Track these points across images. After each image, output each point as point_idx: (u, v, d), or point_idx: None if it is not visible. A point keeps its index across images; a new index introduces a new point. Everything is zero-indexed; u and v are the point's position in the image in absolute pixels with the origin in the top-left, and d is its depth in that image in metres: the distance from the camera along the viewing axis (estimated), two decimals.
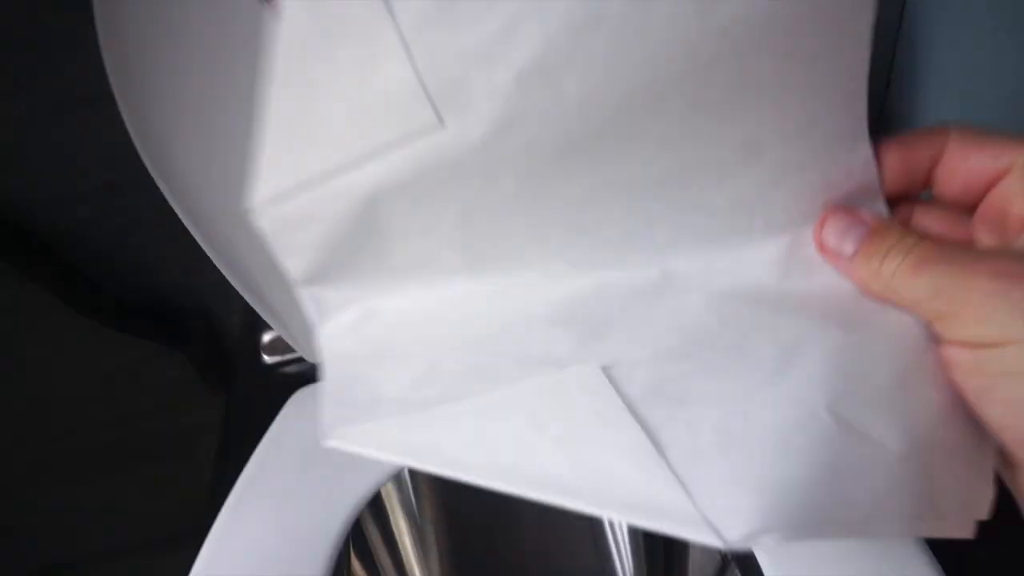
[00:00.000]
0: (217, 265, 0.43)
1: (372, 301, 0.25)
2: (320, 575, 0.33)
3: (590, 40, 0.18)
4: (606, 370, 0.21)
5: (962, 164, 0.20)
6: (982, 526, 0.20)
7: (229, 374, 0.60)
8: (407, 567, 0.44)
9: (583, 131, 0.20)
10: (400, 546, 0.44)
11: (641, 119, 0.20)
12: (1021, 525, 0.19)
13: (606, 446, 0.19)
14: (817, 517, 0.18)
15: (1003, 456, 0.20)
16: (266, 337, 0.54)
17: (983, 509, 0.20)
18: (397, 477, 0.42)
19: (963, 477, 0.20)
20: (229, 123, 0.38)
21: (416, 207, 0.22)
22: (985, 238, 0.21)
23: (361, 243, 0.23)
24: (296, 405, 0.42)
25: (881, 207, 0.22)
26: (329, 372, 0.24)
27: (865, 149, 0.21)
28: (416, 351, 0.23)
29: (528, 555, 0.47)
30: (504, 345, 0.22)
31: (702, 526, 0.18)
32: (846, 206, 0.22)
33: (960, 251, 0.19)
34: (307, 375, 0.50)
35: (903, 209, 0.23)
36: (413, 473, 0.43)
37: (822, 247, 0.22)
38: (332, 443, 0.22)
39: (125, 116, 0.34)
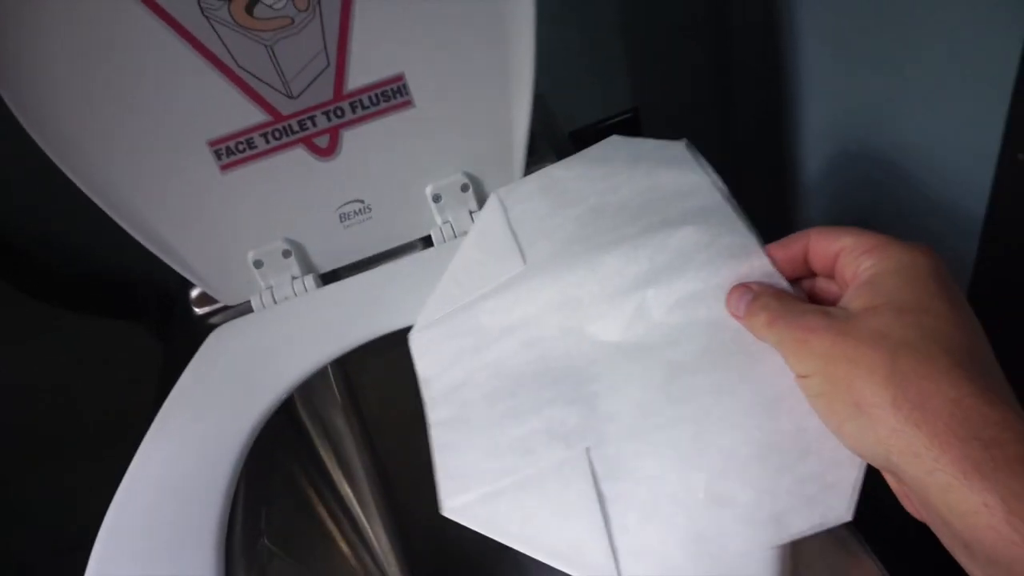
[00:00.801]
0: (123, 226, 0.48)
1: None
2: (226, 483, 0.38)
3: None
4: (588, 451, 0.31)
5: (819, 250, 0.29)
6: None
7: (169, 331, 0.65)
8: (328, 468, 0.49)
9: None
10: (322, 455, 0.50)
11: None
12: None
13: (579, 518, 0.30)
14: (687, 569, 0.27)
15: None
16: (194, 292, 0.59)
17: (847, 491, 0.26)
18: (307, 397, 0.48)
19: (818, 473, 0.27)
20: (121, 89, 0.43)
21: None
22: (841, 294, 0.28)
23: None
24: (209, 344, 0.48)
25: (784, 284, 0.31)
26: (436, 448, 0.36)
27: (761, 258, 0.32)
28: (486, 427, 0.35)
29: None
30: (540, 421, 0.33)
31: None
32: (744, 284, 0.31)
33: (793, 310, 0.27)
34: (229, 319, 0.54)
35: (809, 281, 0.32)
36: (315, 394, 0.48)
37: (730, 312, 0.31)
38: (447, 515, 0.33)
39: (4, 94, 0.38)
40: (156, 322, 0.68)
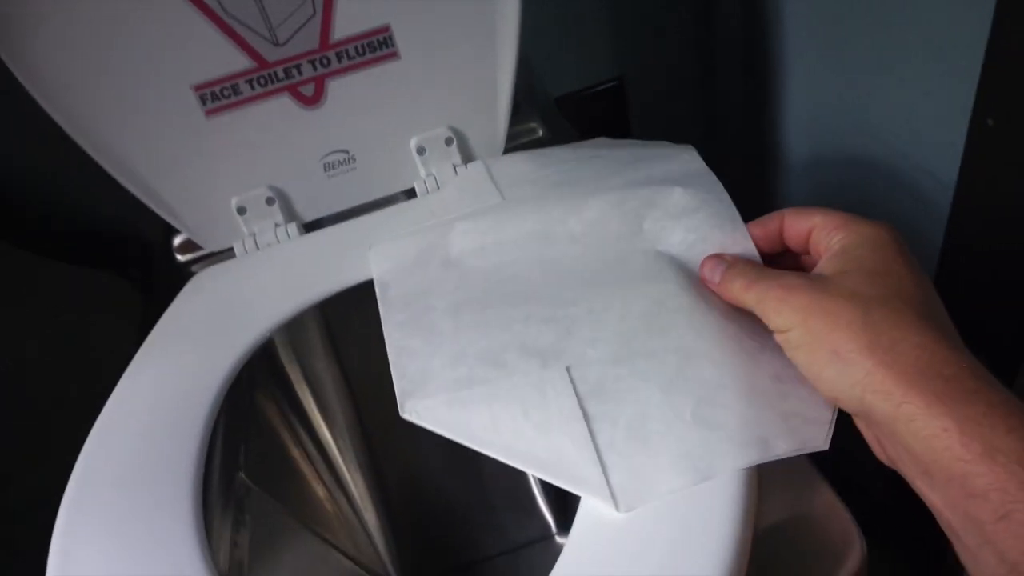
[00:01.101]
0: (108, 171, 0.48)
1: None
2: (204, 419, 0.38)
3: None
4: (569, 370, 0.31)
5: (792, 227, 0.32)
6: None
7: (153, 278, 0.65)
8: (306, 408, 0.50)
9: None
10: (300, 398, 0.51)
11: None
12: None
13: (563, 432, 0.29)
14: (677, 483, 0.28)
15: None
16: (177, 240, 0.60)
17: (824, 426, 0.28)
18: (291, 335, 0.48)
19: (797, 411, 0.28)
20: (107, 31, 0.43)
21: None
22: (809, 268, 0.31)
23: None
24: (191, 287, 0.48)
25: (757, 256, 0.33)
26: (392, 350, 0.34)
27: (742, 229, 0.34)
28: (451, 335, 0.34)
29: None
30: (511, 336, 0.33)
31: (608, 497, 0.28)
32: (718, 254, 0.33)
33: (771, 274, 0.30)
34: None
35: (787, 256, 0.34)
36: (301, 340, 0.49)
37: (703, 278, 0.34)
38: (407, 417, 0.32)
39: None
40: (139, 273, 0.68)
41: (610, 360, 0.31)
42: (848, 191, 0.67)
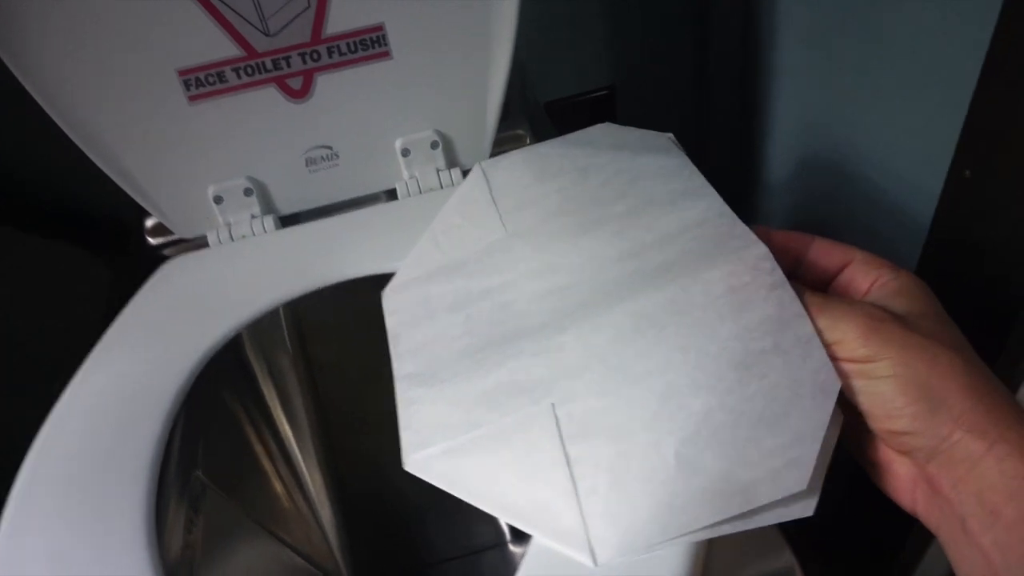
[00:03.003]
0: (88, 154, 0.47)
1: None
2: (165, 413, 0.38)
3: None
4: (555, 408, 0.31)
5: (825, 255, 0.33)
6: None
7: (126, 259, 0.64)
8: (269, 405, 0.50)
9: None
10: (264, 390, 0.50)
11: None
12: None
13: (546, 482, 0.29)
14: (657, 538, 0.27)
15: (866, 443, 0.30)
16: (149, 222, 0.59)
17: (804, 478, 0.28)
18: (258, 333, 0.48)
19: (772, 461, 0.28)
20: (94, 9, 0.42)
21: None
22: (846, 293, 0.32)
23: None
24: (160, 275, 0.48)
25: (780, 272, 0.31)
26: (401, 402, 0.35)
27: (760, 247, 0.32)
28: (451, 381, 0.34)
29: None
30: (504, 373, 0.33)
31: (587, 553, 0.28)
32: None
33: (839, 299, 0.30)
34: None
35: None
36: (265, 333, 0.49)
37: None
38: (409, 470, 0.32)
39: None
40: (108, 251, 0.67)
41: (595, 391, 0.31)
42: (825, 215, 0.67)
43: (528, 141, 0.59)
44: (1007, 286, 0.43)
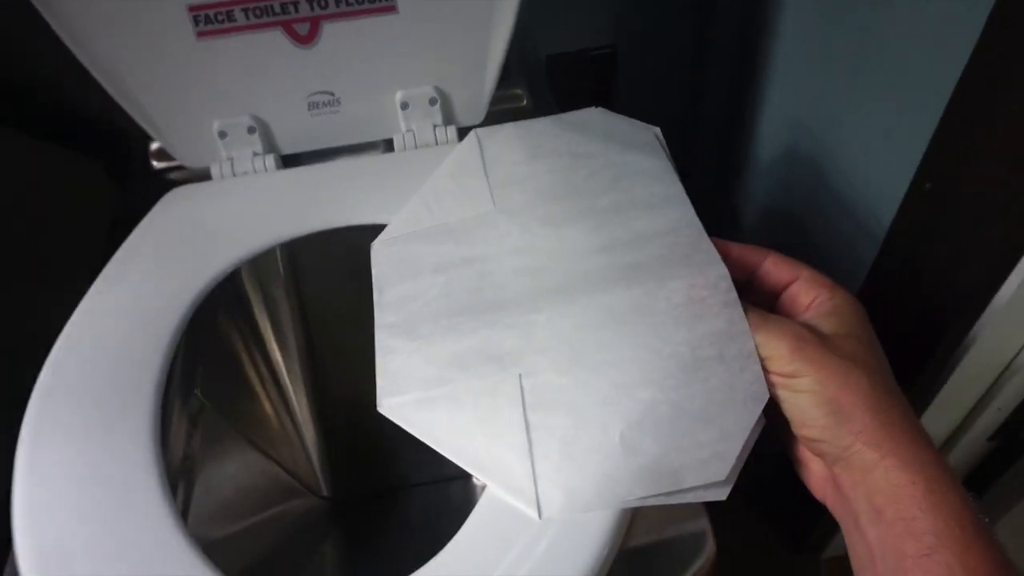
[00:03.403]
0: (99, 81, 0.49)
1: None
2: (168, 338, 0.41)
3: None
4: (521, 378, 0.34)
5: (776, 270, 0.36)
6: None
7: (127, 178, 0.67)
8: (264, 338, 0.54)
9: None
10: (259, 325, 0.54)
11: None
12: None
13: (506, 441, 0.33)
14: (595, 504, 0.32)
15: (791, 442, 0.34)
16: (154, 145, 0.61)
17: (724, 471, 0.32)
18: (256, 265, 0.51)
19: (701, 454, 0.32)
20: None
21: None
22: (784, 312, 0.36)
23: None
24: (165, 203, 0.50)
25: (734, 293, 0.35)
26: (379, 350, 0.38)
27: (721, 267, 0.36)
28: (428, 338, 0.37)
29: None
30: (478, 340, 0.36)
31: (534, 506, 0.32)
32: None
33: (776, 319, 0.33)
34: (187, 180, 0.57)
35: (746, 285, 0.37)
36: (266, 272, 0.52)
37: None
38: (382, 411, 0.35)
39: None
40: (114, 162, 0.69)
41: (558, 370, 0.34)
42: (798, 206, 0.71)
43: (524, 101, 0.61)
44: (945, 295, 0.47)
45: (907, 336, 0.33)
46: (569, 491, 0.32)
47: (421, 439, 0.34)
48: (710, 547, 0.36)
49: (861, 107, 0.57)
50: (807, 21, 0.64)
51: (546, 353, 0.35)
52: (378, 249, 0.44)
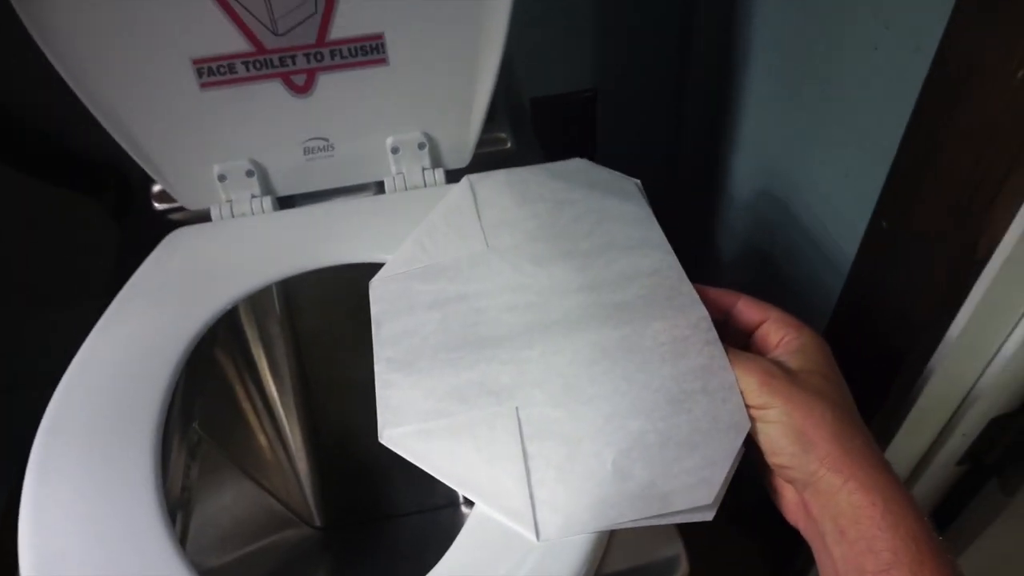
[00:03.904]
0: (107, 129, 0.52)
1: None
2: (169, 374, 0.43)
3: None
4: (518, 410, 0.36)
5: (747, 312, 0.39)
6: None
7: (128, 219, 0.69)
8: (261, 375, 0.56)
9: None
10: (256, 361, 0.56)
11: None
12: None
13: (504, 469, 0.35)
14: (590, 526, 0.33)
15: (766, 472, 0.36)
16: (156, 188, 0.63)
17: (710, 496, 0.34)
18: (253, 303, 0.54)
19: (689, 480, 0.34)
20: (122, 10, 0.46)
21: None
22: (756, 350, 0.38)
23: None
24: (167, 244, 0.53)
25: (714, 333, 0.38)
26: (379, 382, 0.40)
27: (702, 309, 0.39)
28: (427, 372, 0.39)
29: None
30: (475, 375, 0.38)
31: (532, 528, 0.34)
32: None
33: (746, 355, 0.36)
34: (187, 220, 0.59)
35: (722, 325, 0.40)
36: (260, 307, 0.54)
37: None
38: (383, 443, 0.37)
39: None
40: (115, 204, 0.71)
41: (552, 403, 0.36)
42: (772, 240, 0.74)
43: (509, 144, 0.64)
44: (903, 327, 0.50)
45: (871, 366, 0.36)
46: (566, 515, 0.34)
47: (422, 468, 0.36)
48: (684, 569, 0.38)
49: (825, 149, 0.61)
50: (776, 68, 0.68)
51: (541, 386, 0.37)
52: (376, 286, 0.46)
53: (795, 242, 0.68)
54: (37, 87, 0.63)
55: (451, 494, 0.64)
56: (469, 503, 0.67)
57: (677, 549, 0.39)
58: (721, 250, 0.87)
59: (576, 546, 0.33)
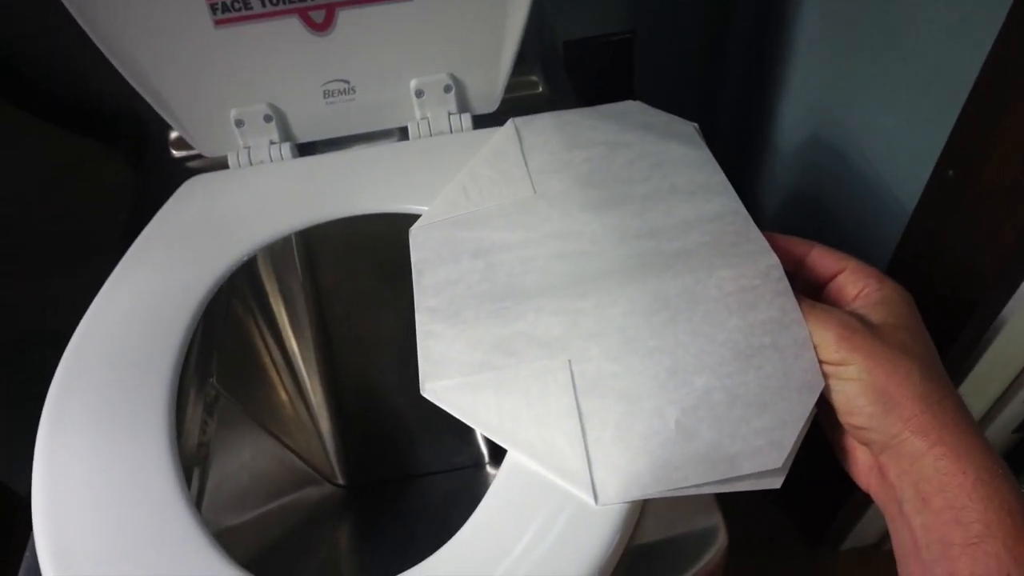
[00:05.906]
0: (122, 72, 0.50)
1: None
2: (185, 325, 0.41)
3: None
4: (571, 364, 0.34)
5: (822, 261, 0.36)
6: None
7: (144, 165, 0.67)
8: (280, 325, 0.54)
9: None
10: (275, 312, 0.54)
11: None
12: None
13: (558, 426, 0.33)
14: (651, 490, 0.31)
15: (835, 430, 0.34)
16: (173, 134, 0.61)
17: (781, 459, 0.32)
18: (272, 251, 0.52)
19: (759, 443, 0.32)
20: None
21: None
22: (831, 302, 0.35)
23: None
24: (184, 191, 0.51)
25: (786, 281, 0.35)
26: (420, 333, 0.37)
27: (772, 256, 0.35)
28: (472, 322, 0.37)
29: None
30: (524, 326, 0.36)
31: (589, 491, 0.31)
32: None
33: (824, 307, 0.33)
34: (205, 168, 0.57)
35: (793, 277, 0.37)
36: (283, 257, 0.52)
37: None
38: (426, 395, 0.35)
39: None
40: (132, 150, 0.69)
41: (608, 357, 0.34)
42: (820, 192, 0.70)
43: (540, 88, 0.61)
44: (968, 282, 0.46)
45: (929, 323, 0.33)
46: (625, 477, 0.31)
47: (467, 423, 0.34)
48: (721, 540, 0.36)
49: (886, 92, 0.56)
50: (831, 3, 0.63)
51: (595, 339, 0.34)
52: (416, 233, 0.43)
53: (846, 192, 0.64)
54: (51, 33, 0.61)
55: (476, 454, 0.63)
56: (495, 463, 0.65)
57: (715, 519, 0.37)
58: (764, 198, 0.83)
59: (608, 513, 0.31)
